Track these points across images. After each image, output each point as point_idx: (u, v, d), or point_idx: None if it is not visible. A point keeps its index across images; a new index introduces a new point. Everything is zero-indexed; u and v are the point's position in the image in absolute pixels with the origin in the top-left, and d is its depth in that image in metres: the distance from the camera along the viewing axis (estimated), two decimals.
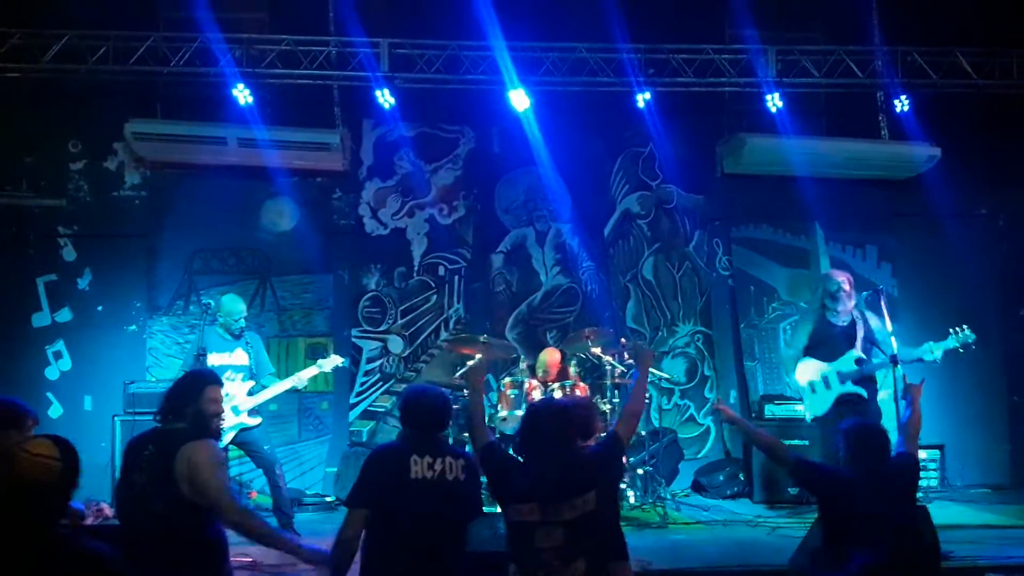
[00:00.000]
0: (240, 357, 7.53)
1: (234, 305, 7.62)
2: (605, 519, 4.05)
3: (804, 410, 7.91)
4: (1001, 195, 10.10)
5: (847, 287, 7.53)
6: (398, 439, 4.49)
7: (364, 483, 4.23)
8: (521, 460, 4.38)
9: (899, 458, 4.88)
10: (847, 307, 7.52)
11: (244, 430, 7.30)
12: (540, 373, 8.67)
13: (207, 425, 4.35)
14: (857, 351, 7.41)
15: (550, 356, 8.79)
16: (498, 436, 8.11)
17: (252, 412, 7.38)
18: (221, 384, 4.60)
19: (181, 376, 4.80)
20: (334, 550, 4.11)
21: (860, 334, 7.44)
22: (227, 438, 7.10)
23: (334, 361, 7.87)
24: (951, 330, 7.23)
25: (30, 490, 3.08)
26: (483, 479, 4.41)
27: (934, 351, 7.21)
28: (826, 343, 7.59)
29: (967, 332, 7.18)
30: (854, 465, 4.68)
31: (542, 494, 3.98)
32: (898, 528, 4.48)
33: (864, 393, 7.38)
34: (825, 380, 7.55)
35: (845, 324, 7.52)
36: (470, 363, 5.93)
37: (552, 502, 3.95)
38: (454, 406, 8.42)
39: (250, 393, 7.42)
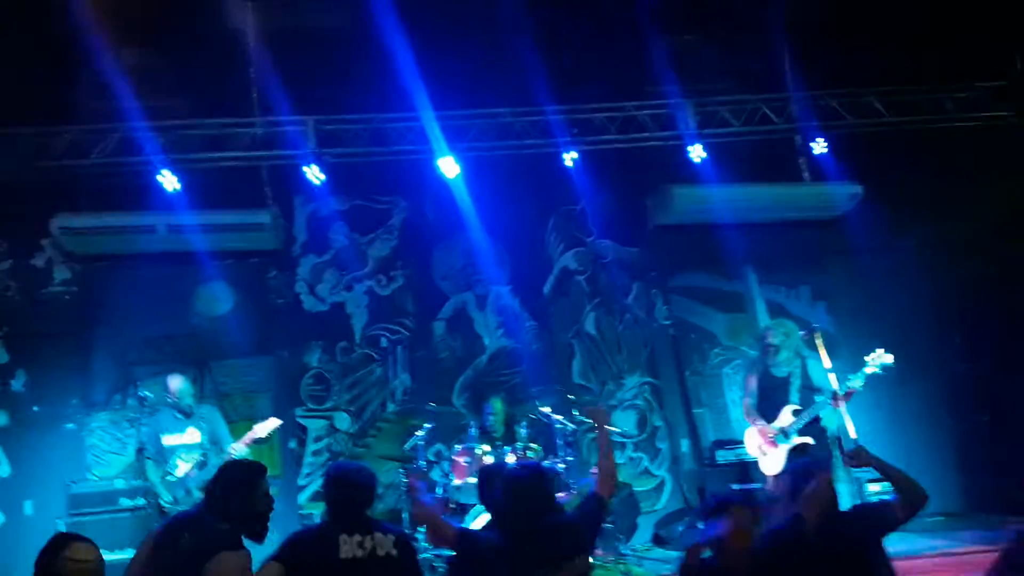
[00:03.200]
0: (192, 435, 7.54)
1: (175, 384, 7.66)
2: None
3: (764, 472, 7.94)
4: (926, 227, 10.30)
5: (782, 340, 7.70)
6: (323, 519, 4.37)
7: (287, 556, 4.08)
8: (495, 532, 4.38)
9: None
10: (785, 359, 7.67)
11: None
12: (493, 424, 8.61)
13: (258, 527, 4.12)
14: (792, 404, 7.54)
15: (491, 407, 8.76)
16: (454, 506, 8.05)
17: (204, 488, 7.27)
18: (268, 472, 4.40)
19: (227, 467, 4.49)
20: None
21: (797, 384, 7.58)
22: None
23: (270, 424, 7.67)
24: (866, 358, 7.38)
25: None
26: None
27: (852, 381, 7.33)
28: (769, 395, 7.76)
29: (882, 355, 7.33)
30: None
31: (536, 561, 3.97)
32: None
33: (811, 439, 7.46)
34: (772, 441, 7.66)
35: (784, 375, 7.68)
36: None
37: (548, 568, 3.95)
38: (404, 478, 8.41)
39: (199, 469, 7.40)
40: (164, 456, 7.50)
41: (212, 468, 7.44)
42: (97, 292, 9.48)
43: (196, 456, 7.50)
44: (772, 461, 7.65)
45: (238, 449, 7.49)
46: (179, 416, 7.62)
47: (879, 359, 7.32)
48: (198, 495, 7.28)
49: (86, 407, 9.25)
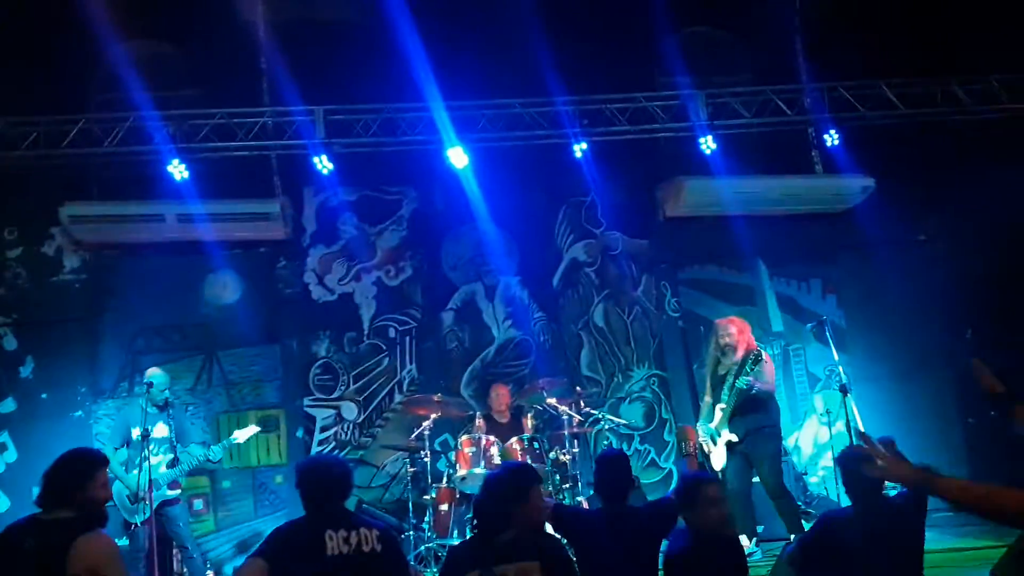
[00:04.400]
0: (160, 430, 7.54)
1: (158, 378, 7.65)
2: None
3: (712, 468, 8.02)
4: (938, 220, 10.26)
5: (732, 339, 7.74)
6: (306, 516, 4.20)
7: (271, 552, 3.99)
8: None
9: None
10: (734, 358, 7.70)
11: (166, 503, 7.42)
12: (493, 412, 8.70)
13: (99, 513, 4.02)
14: (722, 402, 7.65)
15: (497, 391, 8.82)
16: (458, 496, 8.06)
17: (172, 484, 7.49)
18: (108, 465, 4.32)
19: (66, 456, 4.26)
20: None
21: (730, 381, 7.63)
22: (147, 511, 7.24)
23: (249, 432, 7.87)
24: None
25: None
26: None
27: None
28: (714, 393, 7.87)
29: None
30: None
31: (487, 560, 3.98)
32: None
33: (735, 435, 7.56)
34: (711, 439, 7.81)
35: (723, 373, 7.78)
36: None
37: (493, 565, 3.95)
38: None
39: (170, 466, 7.48)
40: (134, 449, 7.46)
41: (183, 465, 7.54)
42: (106, 280, 9.52)
43: (165, 449, 7.53)
44: (716, 458, 7.76)
45: (216, 454, 7.76)
46: (151, 410, 7.55)
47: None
48: (164, 491, 7.37)
49: (93, 395, 9.29)
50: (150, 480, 7.01)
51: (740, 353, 7.64)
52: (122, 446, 7.38)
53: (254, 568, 3.93)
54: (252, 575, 3.92)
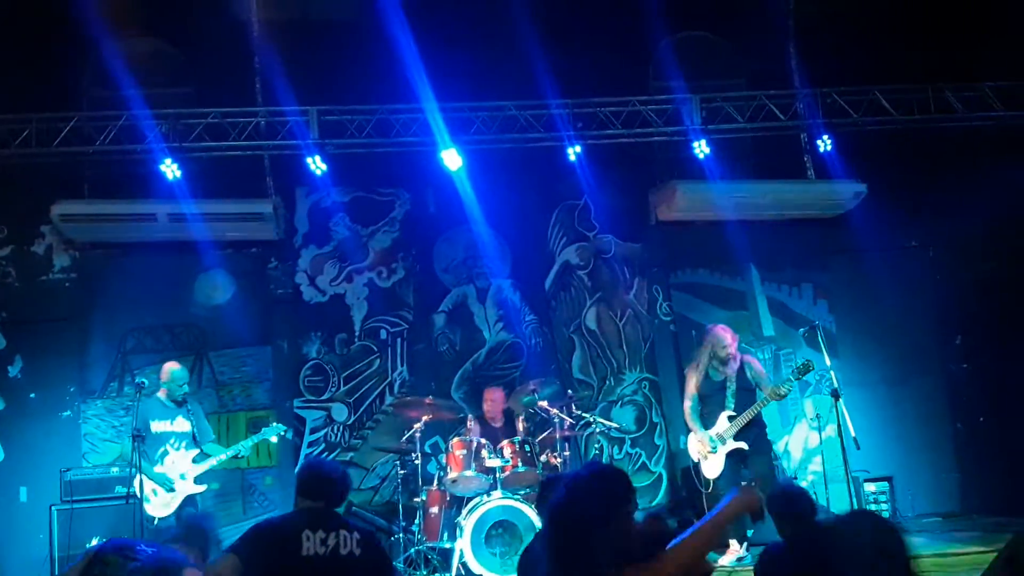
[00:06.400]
0: (181, 424, 7.69)
1: (177, 372, 7.80)
2: None
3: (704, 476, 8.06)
4: (929, 227, 10.30)
5: (733, 350, 7.91)
6: (291, 513, 4.19)
7: (246, 549, 3.94)
8: None
9: None
10: (732, 368, 7.87)
11: (189, 499, 7.54)
12: (485, 414, 8.75)
13: None
14: (728, 409, 7.74)
15: (490, 394, 8.86)
16: (449, 498, 8.04)
17: (197, 480, 7.60)
18: None
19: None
20: None
21: (733, 388, 7.77)
22: (174, 505, 7.47)
23: (274, 433, 8.01)
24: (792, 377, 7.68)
25: None
26: None
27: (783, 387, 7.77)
28: (707, 400, 8.01)
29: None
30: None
31: None
32: None
33: (745, 444, 7.70)
34: (709, 449, 7.90)
35: (721, 379, 7.91)
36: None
37: None
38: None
39: (195, 461, 7.62)
40: (153, 443, 7.58)
41: (211, 460, 7.66)
42: (96, 280, 9.46)
43: (187, 444, 7.68)
44: (712, 466, 7.86)
45: (245, 448, 7.90)
46: (169, 404, 7.73)
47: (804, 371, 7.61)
48: (182, 485, 7.48)
49: (82, 394, 9.25)
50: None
51: (735, 366, 7.81)
52: (137, 436, 7.30)
53: (227, 564, 3.88)
54: (225, 571, 3.87)
